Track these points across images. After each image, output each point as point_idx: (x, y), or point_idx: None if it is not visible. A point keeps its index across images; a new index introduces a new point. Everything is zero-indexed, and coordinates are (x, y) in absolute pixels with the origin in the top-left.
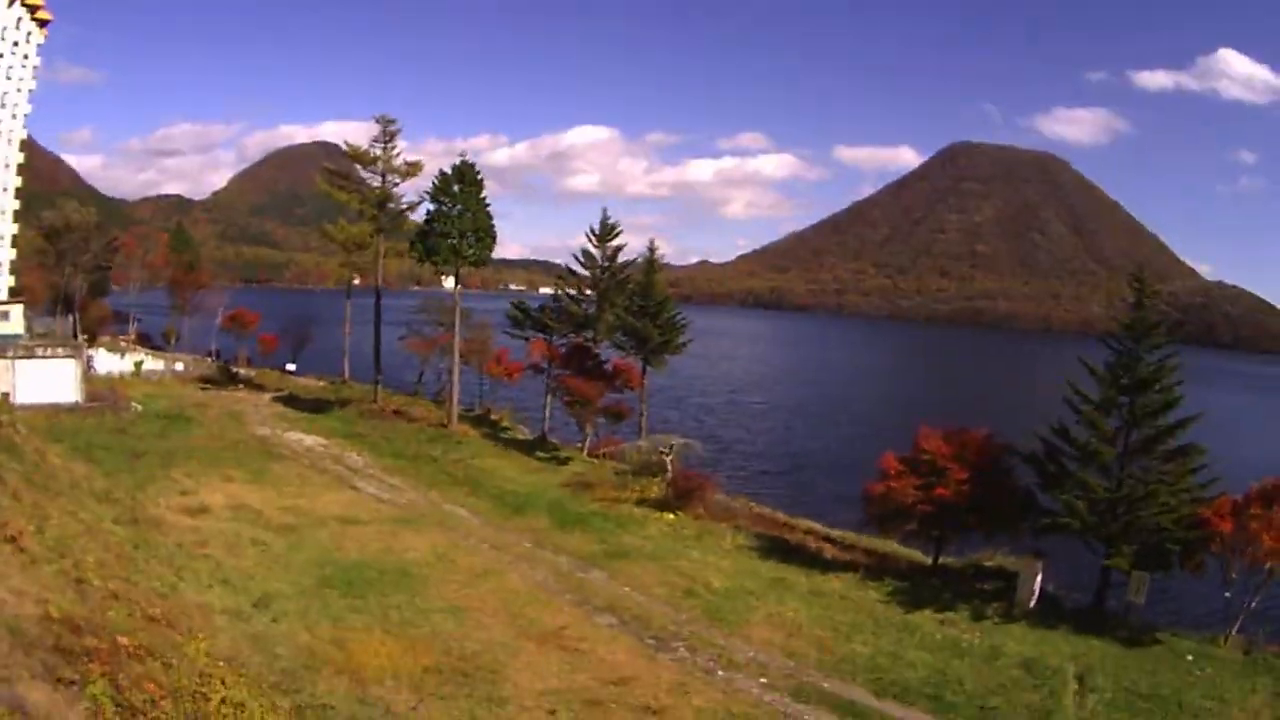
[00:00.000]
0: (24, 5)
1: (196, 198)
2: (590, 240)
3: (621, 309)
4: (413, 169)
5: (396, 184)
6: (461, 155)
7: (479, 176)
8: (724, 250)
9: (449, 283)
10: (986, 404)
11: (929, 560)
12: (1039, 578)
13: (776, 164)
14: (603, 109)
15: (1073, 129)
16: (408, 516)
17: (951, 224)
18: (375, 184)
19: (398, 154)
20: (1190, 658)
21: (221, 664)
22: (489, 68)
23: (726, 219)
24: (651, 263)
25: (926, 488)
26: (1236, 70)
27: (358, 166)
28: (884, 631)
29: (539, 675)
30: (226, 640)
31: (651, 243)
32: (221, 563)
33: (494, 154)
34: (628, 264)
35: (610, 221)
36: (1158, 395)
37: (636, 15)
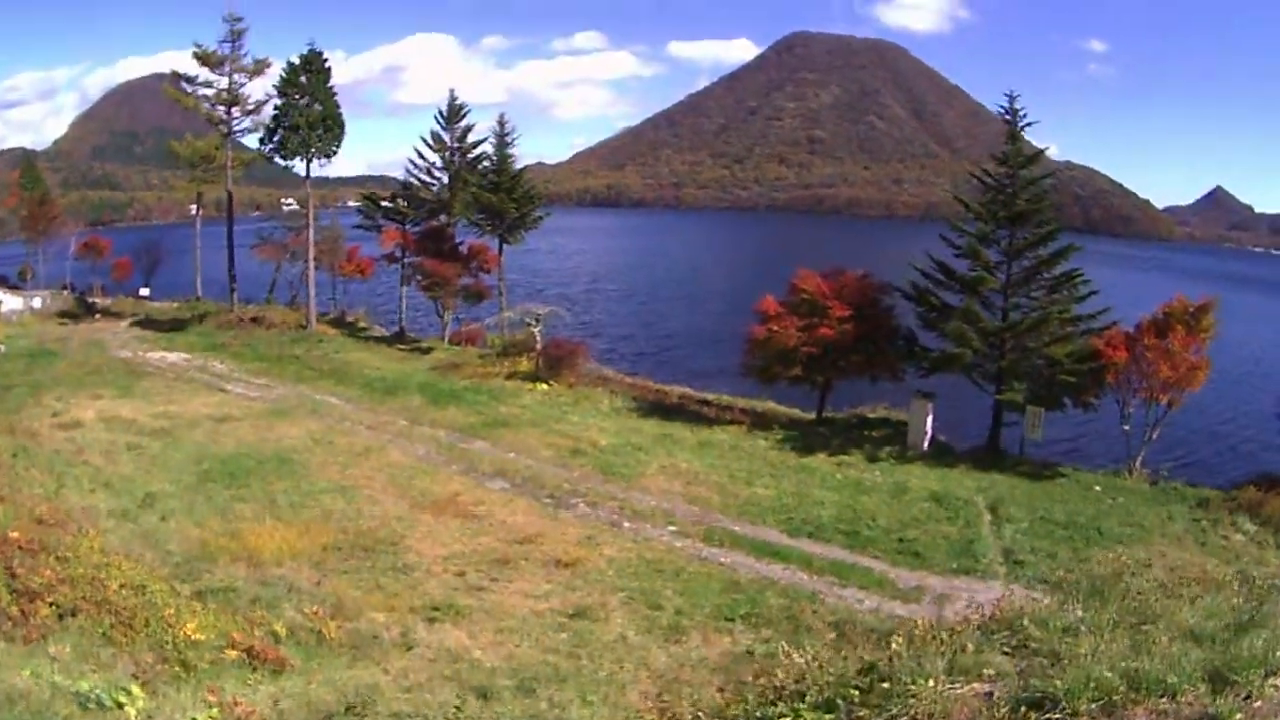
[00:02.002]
0: None
1: (41, 147)
2: (439, 122)
3: (475, 186)
4: (260, 66)
5: (244, 84)
6: (309, 45)
7: (326, 65)
8: (560, 152)
9: (289, 204)
10: None
11: (807, 416)
12: (930, 418)
13: (612, 62)
14: (439, 16)
15: (913, 15)
16: (279, 409)
17: (788, 112)
18: (223, 86)
19: (245, 54)
20: (1098, 489)
21: (115, 556)
22: None
23: (562, 121)
24: (502, 138)
25: (809, 328)
26: None
27: (205, 70)
28: (783, 475)
29: (440, 542)
30: (116, 539)
31: (501, 117)
32: (101, 468)
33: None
34: (478, 143)
35: (458, 103)
36: (1037, 228)
37: None
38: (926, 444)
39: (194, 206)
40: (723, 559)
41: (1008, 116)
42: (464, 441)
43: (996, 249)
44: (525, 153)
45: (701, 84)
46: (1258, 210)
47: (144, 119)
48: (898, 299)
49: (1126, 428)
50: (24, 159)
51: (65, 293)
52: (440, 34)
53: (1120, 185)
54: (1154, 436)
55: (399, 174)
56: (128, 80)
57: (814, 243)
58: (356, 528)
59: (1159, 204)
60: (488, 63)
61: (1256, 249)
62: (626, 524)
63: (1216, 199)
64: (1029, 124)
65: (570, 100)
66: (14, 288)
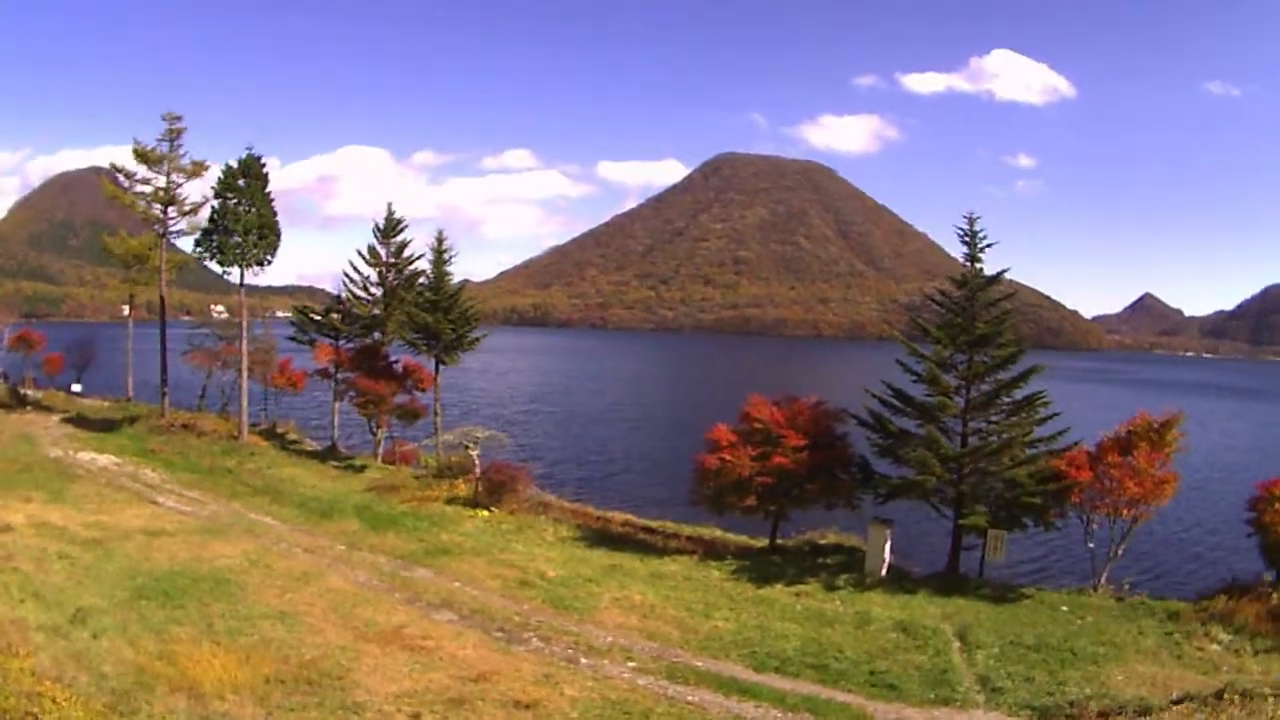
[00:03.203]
0: None
1: None
2: (376, 236)
3: (412, 305)
4: (198, 168)
5: (181, 184)
6: (248, 149)
7: (264, 171)
8: (488, 270)
9: (218, 310)
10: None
11: (758, 544)
12: (888, 544)
13: (542, 181)
14: (373, 129)
15: (841, 136)
16: (213, 526)
17: (715, 233)
18: (160, 184)
19: (183, 153)
20: (1065, 608)
21: (48, 683)
22: (258, 89)
23: (490, 238)
24: (440, 254)
25: (763, 458)
26: (1012, 70)
27: (143, 168)
28: (741, 607)
29: (390, 677)
30: (48, 659)
31: (440, 234)
32: (31, 576)
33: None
34: (414, 259)
35: (395, 217)
36: (997, 350)
37: (410, 32)
38: (884, 571)
39: (126, 307)
40: (690, 697)
41: (966, 238)
42: (406, 569)
43: (954, 373)
44: (453, 270)
45: (629, 204)
46: (1187, 314)
47: (81, 211)
48: (851, 425)
49: (1091, 545)
50: None
51: None
52: (373, 147)
53: (1048, 298)
54: (1119, 553)
55: (329, 285)
56: (66, 171)
57: (742, 364)
58: (299, 658)
59: (1088, 313)
60: (419, 178)
61: (1187, 353)
62: (584, 660)
63: (1145, 305)
64: (988, 245)
65: (499, 217)
66: None
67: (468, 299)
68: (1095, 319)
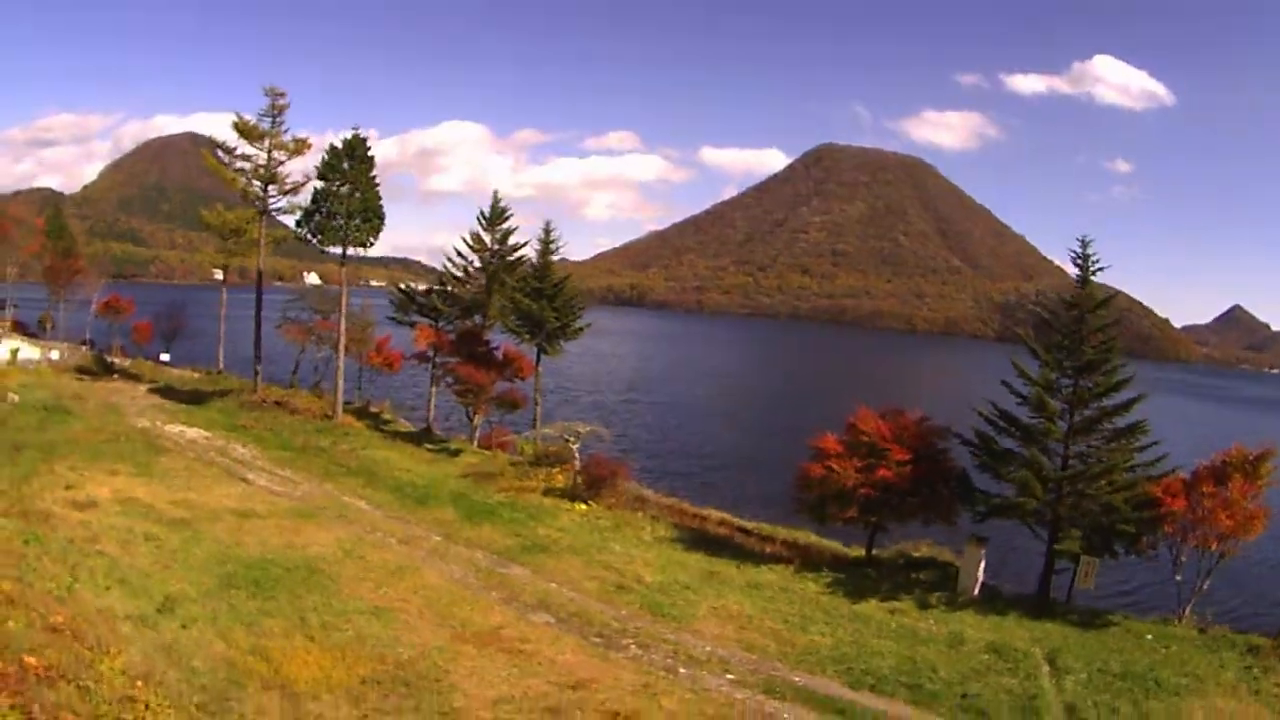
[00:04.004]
0: None
1: (70, 190)
2: (480, 223)
3: (515, 291)
4: (300, 145)
5: (283, 161)
6: (353, 130)
7: (370, 154)
8: (584, 250)
9: (311, 278)
10: (875, 401)
11: (852, 553)
12: (982, 564)
13: (643, 165)
14: (474, 105)
15: (942, 133)
16: (306, 509)
17: (814, 225)
18: (261, 161)
19: (285, 130)
20: (1150, 637)
21: (139, 684)
22: (360, 61)
23: (589, 220)
24: (547, 244)
25: (867, 470)
26: (1112, 76)
27: (244, 143)
28: (837, 622)
29: (487, 681)
30: (137, 653)
31: (547, 224)
32: (117, 560)
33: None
34: (519, 246)
35: (501, 205)
36: (1103, 376)
37: (513, 10)
38: (977, 590)
39: (218, 272)
40: (787, 715)
41: (1078, 260)
42: (503, 566)
43: (1059, 396)
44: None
45: (730, 192)
46: (1275, 328)
47: (173, 176)
48: (953, 441)
49: (1179, 577)
50: (52, 207)
51: (84, 348)
52: (474, 123)
53: (1140, 304)
54: (1205, 586)
55: (424, 258)
56: (160, 136)
57: (839, 359)
58: (395, 657)
59: (1178, 322)
60: (520, 156)
61: (1273, 370)
62: (682, 670)
63: (1234, 317)
64: (1100, 268)
65: (599, 199)
66: (32, 336)
67: (571, 286)
68: (1184, 329)
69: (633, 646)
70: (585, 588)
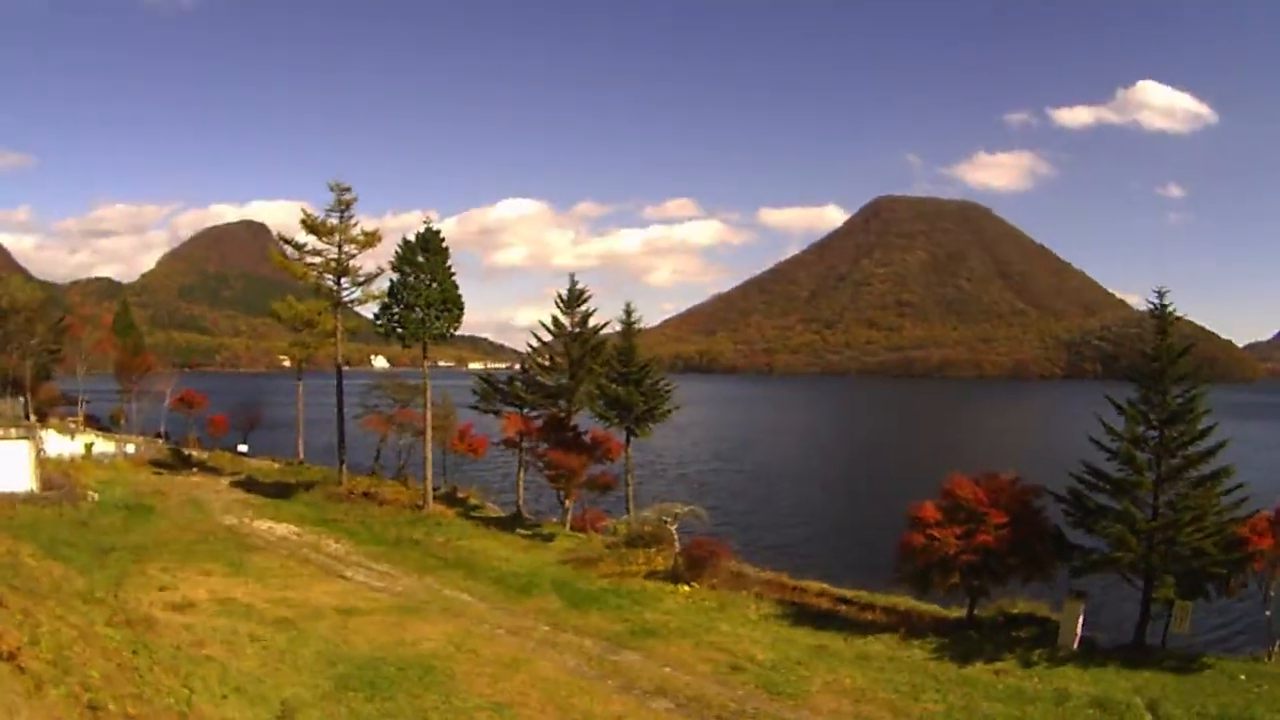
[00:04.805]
0: None
1: (128, 280)
2: (559, 306)
3: (601, 376)
4: (370, 239)
5: (354, 254)
6: (426, 222)
7: (444, 244)
8: (651, 316)
9: (379, 361)
10: (954, 457)
11: (951, 615)
12: (1081, 618)
13: (703, 230)
14: (532, 182)
15: (995, 174)
16: (409, 604)
17: (878, 277)
18: (331, 255)
19: (355, 223)
20: (1243, 677)
21: None
22: (418, 144)
23: (652, 287)
24: (629, 326)
25: (967, 535)
26: (1157, 100)
27: (312, 238)
28: (947, 688)
29: None
30: None
31: (628, 306)
32: (226, 665)
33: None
34: (599, 328)
35: (578, 287)
36: (1187, 425)
37: (569, 87)
38: (1077, 644)
39: (287, 362)
40: None
41: (1156, 313)
42: (614, 653)
43: (1146, 448)
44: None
45: (791, 250)
46: None
47: (232, 263)
48: (1046, 499)
49: (1268, 613)
50: (120, 303)
51: (160, 441)
52: (533, 200)
53: (1203, 329)
54: None
55: (489, 334)
56: (217, 224)
57: (915, 411)
58: None
59: (1240, 340)
60: (580, 228)
61: None
62: None
63: None
64: (1176, 316)
65: (661, 266)
66: (105, 430)
67: (656, 367)
68: (1246, 346)
69: None
70: (699, 670)
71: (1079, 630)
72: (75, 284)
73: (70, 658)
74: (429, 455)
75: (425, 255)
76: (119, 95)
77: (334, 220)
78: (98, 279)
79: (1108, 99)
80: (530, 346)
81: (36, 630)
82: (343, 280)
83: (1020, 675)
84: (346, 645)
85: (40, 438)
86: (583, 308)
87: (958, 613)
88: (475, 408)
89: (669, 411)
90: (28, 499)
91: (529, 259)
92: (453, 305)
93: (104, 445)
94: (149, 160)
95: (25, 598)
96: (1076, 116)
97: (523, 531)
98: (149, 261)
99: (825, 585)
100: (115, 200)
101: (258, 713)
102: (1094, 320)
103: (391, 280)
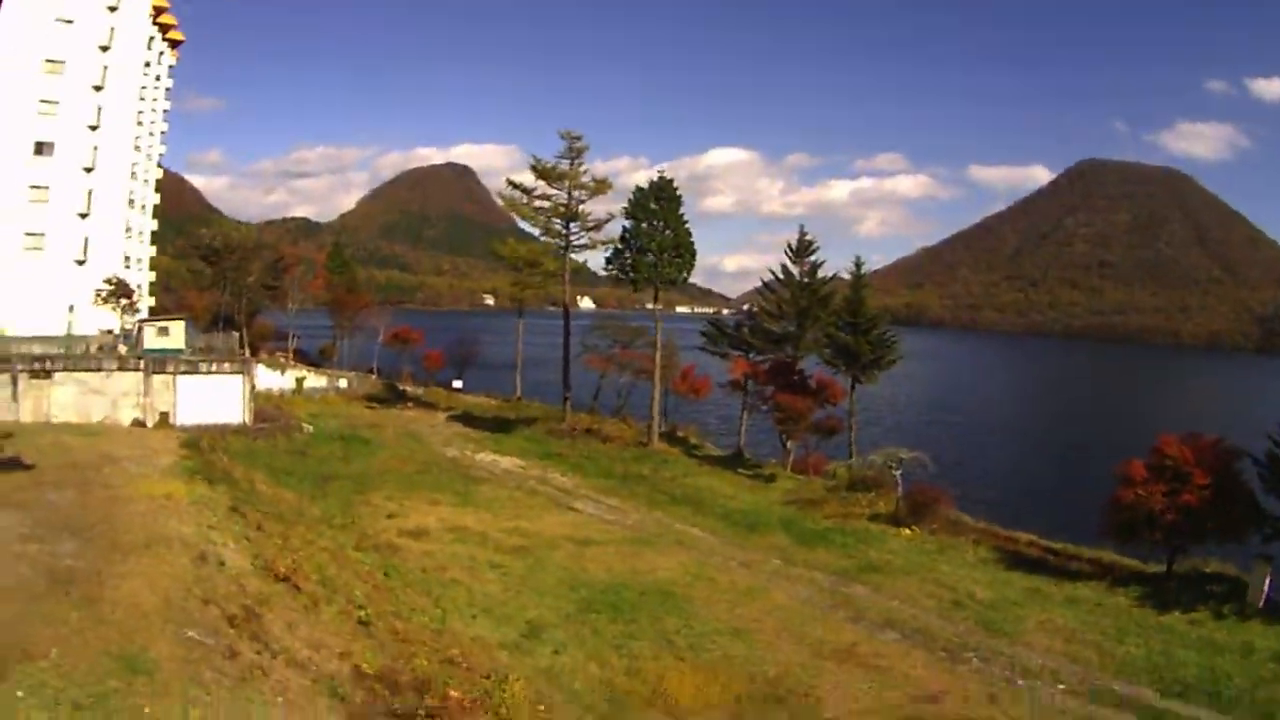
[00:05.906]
0: (156, 25)
1: (324, 220)
2: (788, 256)
3: (829, 324)
4: (601, 186)
5: (583, 200)
6: (660, 172)
7: (677, 193)
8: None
9: (586, 303)
10: (1153, 425)
11: (1149, 569)
12: (1268, 579)
13: (912, 184)
14: (745, 132)
15: (1197, 143)
16: (642, 536)
17: (1079, 236)
18: (561, 200)
19: (584, 170)
20: None
21: (541, 708)
22: (630, 93)
23: (860, 237)
24: (859, 279)
25: (1171, 494)
26: None
27: (541, 183)
28: (1148, 634)
29: (851, 696)
30: (521, 680)
31: (858, 259)
32: (471, 589)
33: (634, 176)
34: (828, 279)
35: (807, 238)
36: None
37: (786, 39)
38: (1263, 602)
39: (489, 300)
40: None
41: None
42: (844, 585)
43: None
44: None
45: (997, 207)
46: None
47: (435, 204)
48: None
49: None
50: (334, 244)
51: (373, 377)
52: (743, 149)
53: None
54: None
55: (698, 279)
56: (421, 167)
57: (1117, 376)
58: (764, 675)
59: None
60: (790, 178)
61: None
62: (1020, 682)
63: None
64: None
65: (869, 217)
66: (314, 365)
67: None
68: None
69: (974, 660)
70: (923, 604)
71: (1265, 590)
72: (270, 223)
73: (333, 579)
74: (656, 395)
75: (659, 203)
76: (325, 42)
77: (564, 166)
78: (294, 218)
79: None
80: (759, 293)
81: (296, 554)
82: (571, 225)
83: (1212, 627)
84: (584, 572)
85: (253, 372)
86: (811, 258)
87: (1155, 568)
88: (703, 349)
89: (894, 360)
90: (239, 430)
91: (736, 206)
92: (685, 251)
93: (315, 380)
94: (351, 106)
95: (276, 523)
96: (1273, 88)
97: (744, 471)
98: (349, 202)
99: (1034, 536)
100: (317, 143)
101: (506, 631)
102: None
103: (625, 226)
